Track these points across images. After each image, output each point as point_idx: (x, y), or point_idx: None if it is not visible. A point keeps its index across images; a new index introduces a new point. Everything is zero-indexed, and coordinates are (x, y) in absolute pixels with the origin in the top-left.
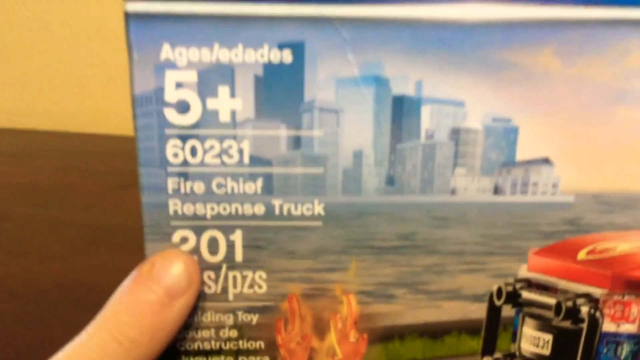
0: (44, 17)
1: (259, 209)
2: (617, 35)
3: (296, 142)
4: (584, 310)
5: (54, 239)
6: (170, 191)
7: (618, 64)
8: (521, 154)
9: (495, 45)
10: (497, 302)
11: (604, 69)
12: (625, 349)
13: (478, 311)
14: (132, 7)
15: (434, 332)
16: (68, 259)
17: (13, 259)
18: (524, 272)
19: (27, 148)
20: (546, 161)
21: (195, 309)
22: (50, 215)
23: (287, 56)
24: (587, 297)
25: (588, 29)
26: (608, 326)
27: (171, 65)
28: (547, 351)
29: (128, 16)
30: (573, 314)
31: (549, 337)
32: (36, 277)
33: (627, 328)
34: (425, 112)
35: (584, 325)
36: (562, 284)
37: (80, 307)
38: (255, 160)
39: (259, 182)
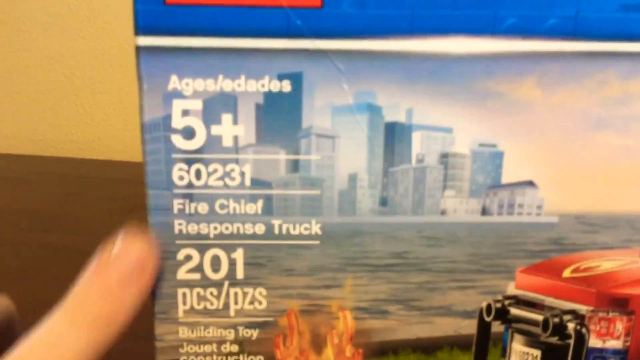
0: (49, 45)
1: (259, 229)
2: (595, 67)
3: (294, 165)
4: (571, 326)
5: (55, 264)
6: (175, 212)
7: (597, 93)
8: (507, 177)
9: (480, 76)
10: (487, 319)
11: (583, 98)
12: None
13: (469, 327)
14: (143, 41)
15: (427, 347)
16: (69, 283)
17: (14, 284)
18: (511, 289)
19: (29, 174)
20: (530, 184)
21: (198, 325)
22: (52, 240)
23: (286, 86)
24: (573, 313)
25: (568, 61)
26: (594, 342)
27: (178, 94)
28: None
29: (139, 49)
30: (560, 330)
31: (537, 353)
32: (37, 302)
33: (613, 344)
34: (416, 137)
35: (571, 341)
36: (549, 301)
37: None
38: (256, 183)
39: (260, 203)
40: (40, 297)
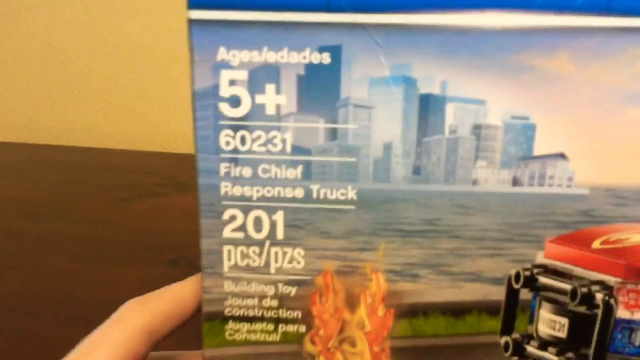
0: (46, 33)
1: (299, 193)
2: (628, 42)
3: (333, 134)
4: (599, 296)
5: (53, 254)
6: (222, 175)
7: (630, 68)
8: (538, 149)
9: (514, 49)
10: (515, 286)
11: (616, 73)
12: (639, 336)
13: (497, 293)
14: (195, 15)
15: (456, 311)
16: (67, 273)
17: (12, 274)
18: (540, 258)
19: (27, 162)
20: (562, 156)
21: (241, 280)
22: (50, 229)
23: (326, 58)
24: (602, 284)
25: (601, 36)
26: (622, 313)
27: (226, 65)
28: (563, 334)
29: (191, 22)
30: (588, 300)
31: (565, 321)
32: (35, 292)
33: None
34: (449, 109)
35: (599, 311)
36: (577, 271)
37: (80, 321)
38: (296, 150)
39: (299, 169)
40: (36, 286)
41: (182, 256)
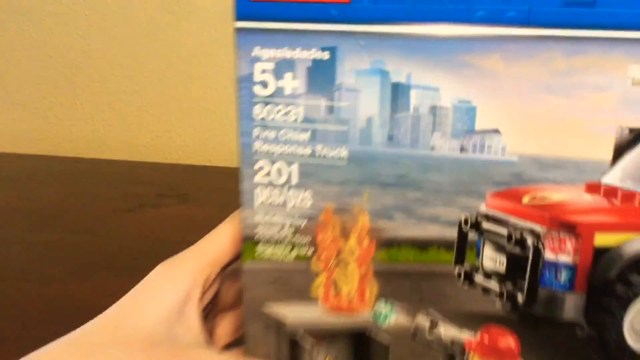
0: (48, 44)
1: (308, 151)
2: (544, 47)
3: (330, 109)
4: (529, 241)
5: (54, 263)
6: (254, 136)
7: (547, 66)
8: (478, 126)
9: (459, 51)
10: (465, 229)
11: (535, 69)
12: (563, 274)
13: (451, 233)
14: (239, 25)
15: (421, 244)
16: (67, 282)
17: (13, 283)
18: (483, 208)
19: (30, 173)
20: (496, 131)
21: (267, 213)
22: (51, 239)
23: (326, 55)
24: (532, 231)
25: (523, 42)
26: (549, 256)
27: (258, 59)
28: (503, 269)
29: (237, 30)
30: (521, 243)
31: (503, 259)
32: (36, 301)
33: (564, 259)
34: (413, 94)
35: (530, 252)
36: (512, 220)
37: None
38: (306, 120)
39: (308, 134)
40: (40, 295)
41: None
